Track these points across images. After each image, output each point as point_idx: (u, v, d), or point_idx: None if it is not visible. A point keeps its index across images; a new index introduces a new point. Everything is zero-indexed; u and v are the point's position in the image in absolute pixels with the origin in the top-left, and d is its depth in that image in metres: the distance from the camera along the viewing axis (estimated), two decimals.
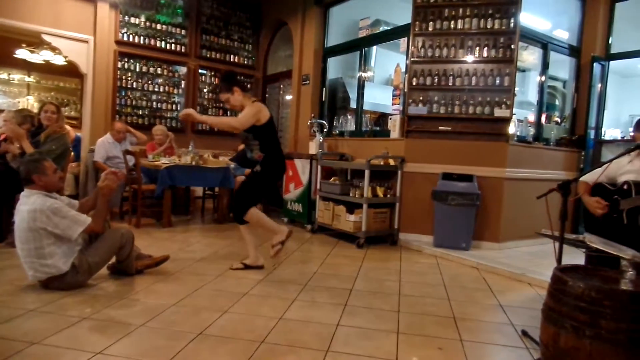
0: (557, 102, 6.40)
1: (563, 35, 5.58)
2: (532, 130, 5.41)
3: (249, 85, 7.81)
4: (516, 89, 4.69)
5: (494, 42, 4.55)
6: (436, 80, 4.73)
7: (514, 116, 4.62)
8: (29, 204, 2.72)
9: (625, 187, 2.47)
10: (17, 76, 9.10)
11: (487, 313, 2.87)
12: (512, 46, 4.47)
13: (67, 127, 4.73)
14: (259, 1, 7.73)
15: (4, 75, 8.97)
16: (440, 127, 4.75)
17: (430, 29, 4.73)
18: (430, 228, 4.60)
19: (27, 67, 8.90)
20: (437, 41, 4.72)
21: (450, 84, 4.69)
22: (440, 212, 4.47)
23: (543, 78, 5.33)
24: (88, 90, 6.42)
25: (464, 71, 4.65)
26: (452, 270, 3.89)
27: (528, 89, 6.77)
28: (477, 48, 4.60)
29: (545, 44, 5.24)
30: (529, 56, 6.06)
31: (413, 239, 4.77)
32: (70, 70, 7.29)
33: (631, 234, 2.35)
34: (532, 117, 5.68)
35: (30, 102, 9.09)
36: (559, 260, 2.13)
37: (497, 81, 4.53)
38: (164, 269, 3.38)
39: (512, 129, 4.60)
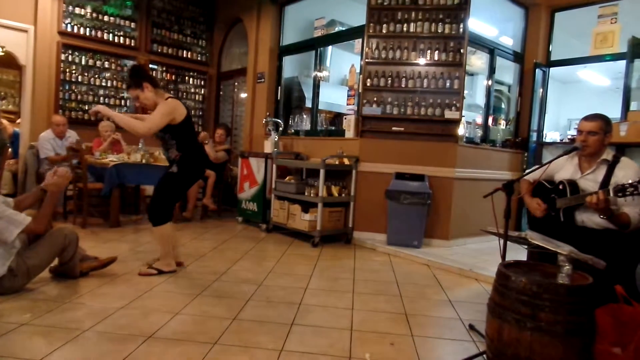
0: (503, 106, 6.72)
1: (508, 41, 5.86)
2: (479, 132, 5.65)
3: (202, 82, 7.65)
4: (465, 92, 4.88)
5: (444, 46, 4.71)
6: (389, 81, 4.83)
7: (463, 118, 4.80)
8: None
9: (560, 186, 2.62)
10: None
11: (436, 308, 2.97)
12: (462, 50, 4.64)
13: (5, 121, 4.44)
14: None
15: None
16: (394, 128, 4.85)
17: (384, 31, 4.82)
18: (384, 227, 4.69)
19: None
20: (390, 43, 4.82)
21: (403, 85, 4.80)
22: (393, 211, 4.57)
23: (490, 82, 5.56)
24: (28, 83, 6.04)
25: (416, 73, 4.78)
26: (404, 267, 4.00)
27: (476, 92, 7.07)
28: (429, 51, 4.74)
29: (492, 49, 5.48)
30: (477, 61, 6.32)
31: (367, 237, 4.85)
32: (8, 62, 6.82)
33: (568, 231, 2.50)
34: (479, 120, 5.92)
35: None
36: (503, 256, 2.24)
37: (448, 84, 4.68)
38: (111, 270, 3.24)
39: (461, 130, 4.78)
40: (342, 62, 6.50)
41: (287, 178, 5.20)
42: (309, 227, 4.66)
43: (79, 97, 6.40)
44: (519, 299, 1.82)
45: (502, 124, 6.06)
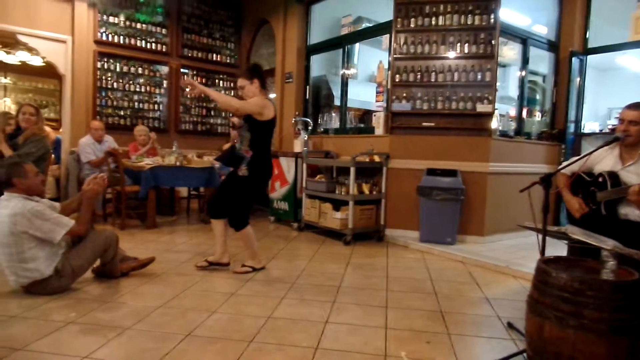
0: (537, 97, 6.51)
1: (542, 30, 5.67)
2: (513, 125, 5.49)
3: (231, 84, 7.77)
4: (497, 84, 4.76)
5: (474, 38, 4.61)
6: (419, 76, 4.76)
7: (495, 111, 4.68)
8: (9, 207, 2.66)
9: (600, 179, 2.52)
10: None
11: (473, 306, 2.91)
12: (493, 42, 4.53)
13: (47, 129, 4.64)
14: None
15: None
16: (424, 123, 4.79)
17: (412, 25, 4.76)
18: (416, 223, 4.64)
19: (3, 68, 8.69)
20: (418, 38, 4.76)
21: (432, 80, 4.73)
22: (426, 207, 4.51)
23: (523, 73, 5.40)
24: (67, 91, 6.30)
25: (446, 67, 4.70)
26: (438, 264, 3.94)
27: (509, 84, 6.87)
28: (459, 44, 4.64)
29: (524, 39, 5.32)
30: (509, 51, 6.14)
31: (399, 234, 4.80)
32: (49, 71, 7.14)
33: (610, 224, 2.40)
34: (513, 112, 5.76)
35: (8, 104, 8.89)
36: (542, 252, 2.17)
37: (479, 77, 4.58)
38: (149, 270, 3.34)
39: (494, 123, 4.67)
40: (370, 58, 6.46)
41: (318, 177, 5.22)
42: (341, 225, 4.66)
43: (114, 103, 6.62)
44: (560, 296, 1.76)
45: (537, 116, 5.88)
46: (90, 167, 5.49)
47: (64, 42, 6.18)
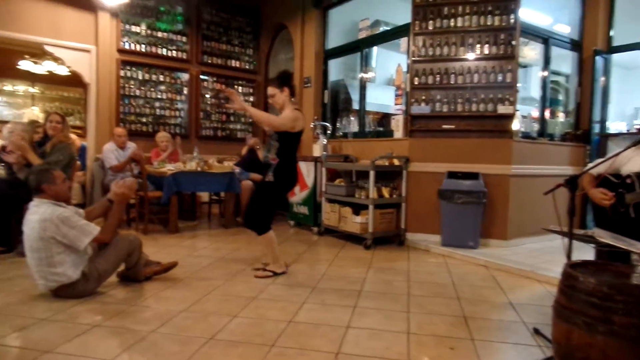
0: (560, 97, 6.38)
1: (564, 29, 5.57)
2: (536, 126, 5.39)
3: (250, 90, 7.84)
4: (518, 85, 4.68)
5: (494, 38, 4.55)
6: (438, 79, 4.73)
7: (517, 112, 4.61)
8: (38, 213, 2.74)
9: (628, 180, 2.45)
10: (21, 87, 9.20)
11: (497, 311, 2.86)
12: (513, 42, 4.46)
13: (73, 136, 4.76)
14: (258, 5, 7.76)
15: (9, 87, 9.06)
16: (444, 126, 4.74)
17: (430, 27, 4.73)
18: (438, 227, 4.59)
19: (31, 78, 8.98)
20: (437, 40, 4.72)
21: (452, 82, 4.68)
22: (447, 211, 4.46)
23: (545, 73, 5.31)
24: (92, 100, 6.45)
25: (466, 69, 4.65)
26: (461, 269, 3.88)
27: (530, 85, 6.75)
28: (478, 45, 4.59)
29: (546, 39, 5.23)
30: (530, 52, 6.04)
31: (420, 238, 4.76)
32: (74, 80, 7.33)
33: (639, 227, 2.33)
34: (535, 113, 5.66)
35: (35, 113, 9.16)
36: (568, 256, 2.12)
37: (499, 78, 4.52)
38: (172, 275, 3.39)
39: (515, 125, 4.60)
40: (388, 62, 6.44)
41: (337, 181, 5.22)
42: (361, 230, 4.65)
43: (137, 110, 6.75)
44: (588, 302, 1.71)
45: (561, 117, 5.76)
46: (113, 172, 5.61)
47: (88, 51, 6.34)
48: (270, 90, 3.51)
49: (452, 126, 4.71)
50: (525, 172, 4.61)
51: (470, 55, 4.63)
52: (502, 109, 4.51)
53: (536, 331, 2.44)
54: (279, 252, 3.61)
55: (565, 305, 1.81)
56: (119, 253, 3.01)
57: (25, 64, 8.17)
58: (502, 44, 4.51)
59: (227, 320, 2.54)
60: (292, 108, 3.45)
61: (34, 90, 9.33)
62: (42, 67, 8.19)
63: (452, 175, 4.51)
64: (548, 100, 5.45)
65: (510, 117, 4.51)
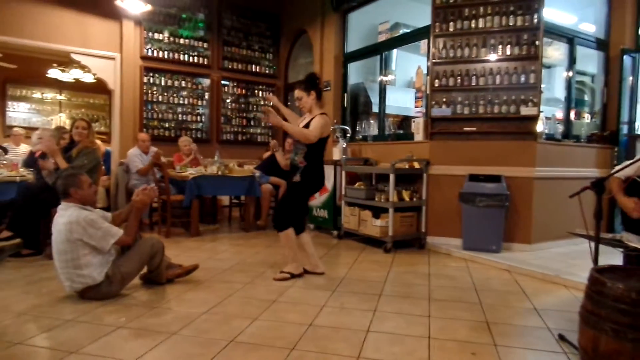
0: (586, 98, 6.23)
1: (589, 28, 5.44)
2: (561, 128, 5.27)
3: (271, 94, 7.89)
4: (542, 86, 4.59)
5: (517, 39, 4.47)
6: (459, 80, 4.67)
7: (541, 114, 4.52)
8: (66, 216, 2.82)
9: None
10: (49, 95, 9.49)
11: (521, 317, 2.79)
12: (537, 42, 4.38)
13: (98, 141, 4.87)
14: (278, 11, 7.83)
15: (38, 95, 9.37)
16: (465, 128, 4.68)
17: (450, 29, 4.68)
18: (459, 231, 4.52)
19: (58, 85, 9.26)
20: (458, 41, 4.67)
21: (473, 84, 4.63)
22: (469, 214, 4.39)
23: (570, 73, 5.20)
24: (116, 106, 6.61)
25: (487, 70, 4.58)
26: (483, 273, 3.82)
27: (555, 86, 6.61)
28: (500, 46, 4.53)
29: (571, 38, 5.11)
30: (555, 52, 5.92)
31: (441, 242, 4.70)
32: (99, 87, 7.53)
33: None
34: (560, 114, 5.54)
35: (63, 119, 9.44)
36: (595, 260, 2.06)
37: (522, 79, 4.44)
38: (193, 277, 3.43)
39: (539, 127, 4.50)
40: (408, 64, 6.40)
41: (357, 184, 5.20)
42: (381, 233, 4.62)
43: (159, 115, 6.89)
44: (616, 308, 1.66)
45: (587, 118, 5.62)
46: (138, 176, 5.73)
47: (113, 59, 6.50)
48: (297, 93, 3.55)
49: (474, 128, 4.64)
50: (550, 175, 4.51)
51: (492, 57, 4.56)
52: (525, 111, 4.43)
53: (561, 337, 2.37)
54: (295, 256, 3.58)
55: (593, 311, 1.76)
56: (141, 256, 3.07)
57: (53, 72, 8.43)
58: (525, 44, 4.43)
59: (247, 322, 2.55)
60: (319, 113, 3.49)
61: (62, 97, 9.62)
62: (69, 75, 8.42)
63: (474, 178, 4.45)
64: (573, 101, 5.33)
65: (533, 118, 4.43)
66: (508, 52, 4.49)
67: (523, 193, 4.41)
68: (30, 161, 4.83)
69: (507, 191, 4.30)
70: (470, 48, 4.63)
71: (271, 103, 3.94)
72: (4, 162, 4.59)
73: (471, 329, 2.53)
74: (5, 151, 6.06)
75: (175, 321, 2.56)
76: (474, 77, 4.62)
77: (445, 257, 4.42)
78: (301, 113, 3.75)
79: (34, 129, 7.45)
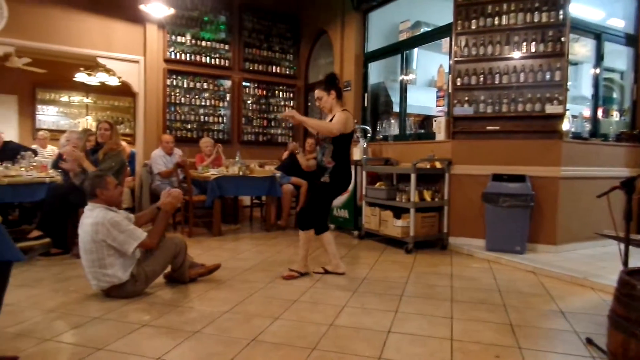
0: (614, 95, 6.05)
1: (618, 24, 5.28)
2: (588, 126, 5.13)
3: (291, 95, 7.93)
4: (568, 83, 4.48)
5: (542, 36, 4.38)
6: (482, 79, 4.60)
7: (567, 112, 4.40)
8: (92, 217, 2.89)
9: None
10: (76, 98, 9.76)
11: (546, 319, 2.73)
12: (562, 39, 4.28)
13: (123, 143, 4.98)
14: (298, 12, 7.86)
15: (66, 98, 9.63)
16: (488, 127, 4.61)
17: (473, 27, 4.62)
18: (482, 231, 4.45)
19: (85, 89, 9.51)
20: (481, 39, 4.60)
21: (496, 82, 4.55)
22: (492, 214, 4.32)
23: (598, 70, 5.05)
24: (140, 108, 6.74)
25: (511, 68, 4.50)
26: (507, 275, 3.75)
27: (581, 83, 6.44)
28: (524, 43, 4.44)
29: (598, 34, 4.98)
30: (581, 48, 5.77)
31: (464, 243, 4.64)
32: (124, 90, 7.68)
33: None
34: (587, 112, 5.39)
35: (89, 122, 9.69)
36: (625, 262, 2.00)
37: (548, 76, 4.34)
38: (216, 276, 3.47)
39: (565, 125, 4.40)
40: (429, 63, 6.33)
41: (378, 184, 5.18)
42: (402, 233, 4.58)
43: (182, 117, 6.99)
44: None
45: (615, 116, 5.45)
46: (161, 178, 5.83)
47: (137, 62, 6.63)
48: (318, 93, 3.57)
49: (497, 127, 4.56)
50: (577, 174, 4.40)
51: (516, 54, 4.48)
52: (550, 109, 4.33)
53: (589, 341, 2.31)
54: (335, 255, 3.66)
55: (622, 314, 1.71)
56: (165, 255, 3.12)
57: (80, 76, 8.66)
58: (551, 41, 4.33)
59: (268, 322, 2.57)
60: (340, 110, 3.49)
61: (88, 100, 9.87)
62: (95, 79, 8.64)
63: (497, 177, 4.37)
64: (601, 98, 5.18)
65: (559, 117, 4.32)
66: (533, 49, 4.40)
67: (548, 193, 4.32)
68: (58, 163, 4.98)
69: (532, 191, 4.21)
70: (493, 46, 4.56)
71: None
72: (34, 163, 4.73)
73: (495, 331, 2.49)
74: (35, 153, 6.26)
75: (198, 319, 2.59)
76: (497, 75, 4.54)
77: (468, 258, 4.36)
78: (321, 114, 3.76)
79: (62, 131, 7.68)
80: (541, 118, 4.40)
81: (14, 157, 4.88)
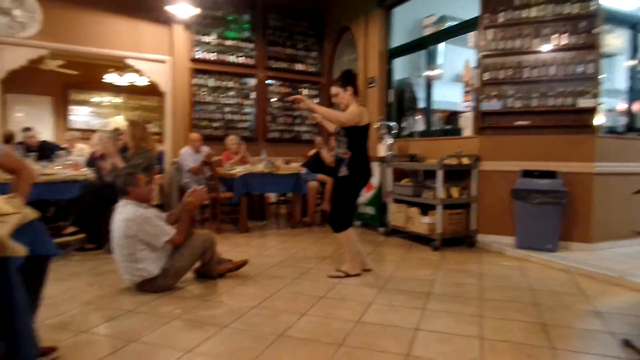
0: None
1: None
2: (623, 120, 4.96)
3: (315, 92, 7.94)
4: (602, 76, 4.33)
5: (573, 28, 4.24)
6: (510, 73, 4.50)
7: (600, 106, 4.26)
8: (124, 213, 2.98)
9: None
10: (107, 98, 10.03)
11: (580, 319, 2.66)
12: (595, 31, 4.14)
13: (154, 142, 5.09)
14: (321, 9, 7.85)
15: (96, 98, 9.92)
16: (517, 123, 4.50)
17: (500, 20, 4.52)
18: (512, 229, 4.36)
19: (115, 89, 9.76)
20: (508, 32, 4.50)
21: (525, 76, 4.44)
22: (522, 211, 4.23)
23: (633, 62, 4.86)
24: (168, 107, 6.88)
25: (541, 61, 4.38)
26: (538, 273, 3.66)
27: (616, 76, 6.22)
28: (555, 36, 4.31)
29: (634, 24, 4.80)
30: (615, 40, 5.57)
31: (493, 240, 4.55)
32: (152, 90, 7.85)
33: None
34: (622, 106, 5.20)
35: (119, 121, 9.94)
36: None
37: (579, 69, 4.21)
38: (243, 272, 3.52)
39: (599, 119, 4.26)
40: (455, 58, 6.22)
41: (404, 181, 5.14)
42: (429, 230, 4.54)
43: (208, 115, 7.09)
44: None
45: None
46: (190, 175, 5.94)
47: (164, 62, 6.76)
48: (334, 89, 3.57)
49: (527, 122, 4.46)
50: (611, 170, 4.25)
51: (546, 47, 4.36)
52: (582, 103, 4.20)
53: (626, 343, 2.24)
54: (353, 256, 3.56)
55: None
56: (194, 251, 3.18)
57: (110, 77, 8.90)
58: (583, 32, 4.20)
59: (296, 317, 2.59)
60: (356, 105, 3.50)
61: (118, 100, 10.13)
62: (125, 79, 8.86)
63: (527, 174, 4.27)
64: (637, 91, 4.99)
65: (592, 111, 4.19)
66: (563, 42, 4.28)
67: (581, 189, 4.19)
68: (92, 161, 5.14)
69: (564, 187, 4.09)
70: (522, 39, 4.45)
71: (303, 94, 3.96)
72: (68, 162, 4.89)
73: (526, 330, 2.44)
74: (69, 152, 6.47)
75: (227, 314, 2.63)
76: (527, 69, 4.43)
77: (497, 255, 4.28)
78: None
79: (93, 131, 7.90)
80: (573, 112, 4.27)
81: (49, 156, 5.07)
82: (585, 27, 4.19)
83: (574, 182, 4.18)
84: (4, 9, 5.27)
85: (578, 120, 4.26)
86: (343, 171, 3.47)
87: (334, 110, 3.55)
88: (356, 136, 3.48)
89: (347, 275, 3.48)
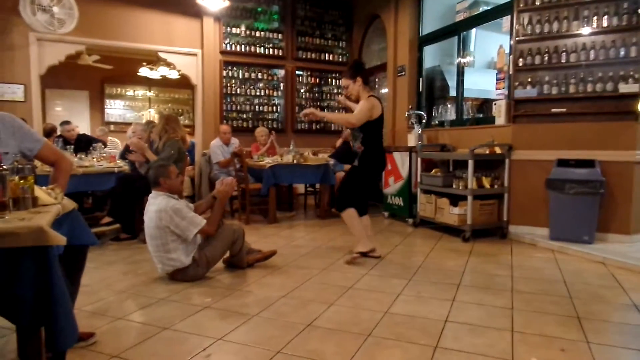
0: None
1: None
2: None
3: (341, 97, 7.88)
4: None
5: (615, 9, 4.04)
6: (546, 58, 4.34)
7: None
8: (155, 204, 3.06)
9: None
10: (140, 92, 10.30)
11: (617, 313, 2.57)
12: (639, 11, 3.92)
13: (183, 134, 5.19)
14: None
15: (130, 92, 10.19)
16: (553, 110, 4.34)
17: (537, 2, 4.34)
18: (545, 220, 4.23)
19: (148, 83, 10.01)
20: (545, 15, 4.32)
21: (563, 61, 4.27)
22: (557, 202, 4.09)
23: None
24: (198, 99, 7.00)
25: (580, 45, 4.20)
26: (573, 265, 3.55)
27: None
28: (595, 18, 4.12)
29: None
30: None
31: (525, 231, 4.44)
32: (183, 83, 8.01)
33: None
34: None
35: (152, 114, 10.19)
36: None
37: (622, 53, 4.01)
38: (272, 262, 3.56)
39: None
40: (488, 44, 6.04)
41: (433, 171, 5.06)
42: (459, 221, 4.46)
43: (238, 107, 7.18)
44: None
45: None
46: (219, 167, 6.04)
47: (195, 55, 6.87)
48: (344, 81, 3.63)
49: (563, 110, 4.29)
50: None
51: (585, 30, 4.17)
52: (624, 88, 4.00)
53: None
54: (360, 236, 3.66)
55: None
56: (224, 241, 3.24)
57: (143, 71, 9.12)
58: (625, 13, 3.99)
59: (324, 308, 2.60)
60: (366, 96, 3.51)
61: (151, 93, 10.38)
62: (157, 73, 9.06)
63: (563, 163, 4.12)
64: None
65: (635, 96, 3.98)
66: (604, 24, 4.08)
67: (621, 179, 4.01)
68: (125, 154, 5.30)
69: (602, 177, 3.93)
70: (559, 22, 4.27)
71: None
72: (104, 154, 5.06)
73: (559, 323, 2.37)
74: (105, 145, 6.68)
75: (256, 304, 2.68)
76: (564, 53, 4.26)
77: (530, 247, 4.17)
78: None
79: (128, 124, 8.14)
80: (614, 98, 4.08)
81: (87, 148, 5.26)
82: (628, 8, 3.98)
83: (614, 171, 4.01)
84: (44, 7, 5.47)
85: (619, 107, 4.07)
86: (355, 162, 3.62)
87: (342, 114, 3.63)
88: (370, 130, 3.56)
89: (362, 255, 3.56)
